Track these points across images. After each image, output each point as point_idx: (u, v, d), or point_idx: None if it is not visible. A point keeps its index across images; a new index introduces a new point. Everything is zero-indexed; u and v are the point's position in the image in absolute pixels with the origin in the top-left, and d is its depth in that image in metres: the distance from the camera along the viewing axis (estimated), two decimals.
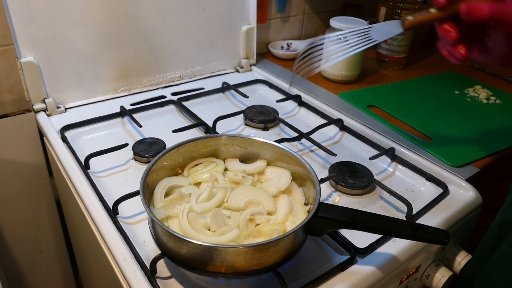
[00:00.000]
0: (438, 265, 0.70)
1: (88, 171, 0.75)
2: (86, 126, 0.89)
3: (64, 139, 0.83)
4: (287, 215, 0.58)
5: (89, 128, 0.89)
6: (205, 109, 0.99)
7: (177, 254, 0.51)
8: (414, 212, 0.68)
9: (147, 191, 0.58)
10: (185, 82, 1.10)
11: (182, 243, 0.50)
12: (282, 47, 1.33)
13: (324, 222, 0.53)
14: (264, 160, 0.67)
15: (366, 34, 0.60)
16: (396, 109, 1.00)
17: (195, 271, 0.52)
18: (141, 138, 0.84)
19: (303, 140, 0.86)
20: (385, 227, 0.51)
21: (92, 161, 0.77)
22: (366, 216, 0.53)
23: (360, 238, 0.62)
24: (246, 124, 0.94)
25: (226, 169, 0.67)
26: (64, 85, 0.93)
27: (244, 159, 0.68)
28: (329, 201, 0.72)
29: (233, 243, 0.53)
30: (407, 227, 0.53)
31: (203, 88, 1.07)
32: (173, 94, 1.04)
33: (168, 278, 0.56)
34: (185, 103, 0.99)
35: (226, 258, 0.49)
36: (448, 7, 0.55)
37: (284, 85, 1.09)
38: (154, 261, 0.55)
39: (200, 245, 0.48)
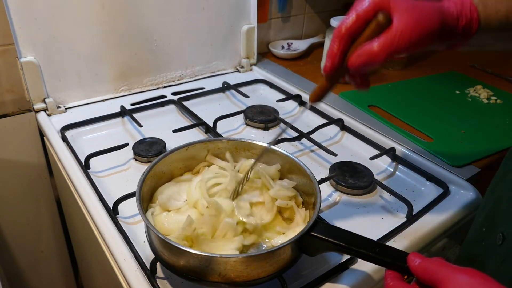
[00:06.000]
0: None
1: (88, 171, 0.75)
2: (87, 126, 0.89)
3: (64, 139, 0.83)
4: None
5: (89, 128, 0.89)
6: (206, 109, 0.99)
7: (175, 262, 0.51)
8: (414, 212, 0.68)
9: (151, 181, 0.58)
10: (186, 82, 1.10)
11: (181, 253, 0.49)
12: (283, 47, 1.32)
13: (317, 242, 0.51)
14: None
15: None
16: (397, 109, 1.00)
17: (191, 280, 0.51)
18: (141, 138, 0.84)
19: (304, 140, 0.86)
20: (380, 257, 0.48)
21: (92, 161, 0.77)
22: (362, 242, 0.50)
23: None
24: (246, 124, 0.94)
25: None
26: (64, 84, 0.93)
27: None
28: (330, 201, 0.72)
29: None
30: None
31: (203, 88, 1.07)
32: (174, 94, 1.04)
33: (168, 278, 0.56)
34: (185, 103, 0.99)
35: (225, 268, 0.48)
36: (336, 70, 0.49)
37: (285, 85, 1.09)
38: (154, 261, 0.55)
39: (198, 254, 0.48)
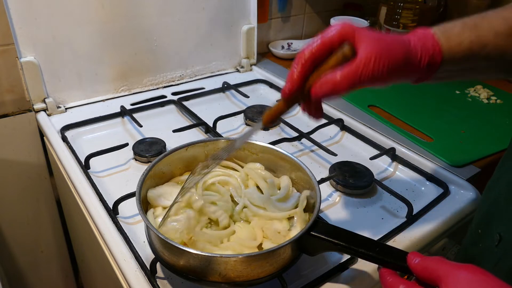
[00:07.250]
0: None
1: (88, 171, 0.75)
2: (86, 126, 0.89)
3: (64, 139, 0.83)
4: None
5: (89, 128, 0.89)
6: (206, 109, 0.99)
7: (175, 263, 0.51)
8: (414, 212, 0.68)
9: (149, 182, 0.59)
10: (186, 82, 1.10)
11: (181, 253, 0.49)
12: (283, 47, 1.32)
13: (317, 241, 0.51)
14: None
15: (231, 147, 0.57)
16: (397, 109, 1.00)
17: (189, 279, 0.51)
18: (141, 138, 0.84)
19: (304, 140, 0.86)
20: (380, 256, 0.48)
21: (92, 161, 0.77)
22: (362, 242, 0.50)
23: None
24: (246, 124, 0.94)
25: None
26: (64, 84, 0.93)
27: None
28: (330, 201, 0.72)
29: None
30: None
31: (203, 88, 1.07)
32: (174, 94, 1.04)
33: (168, 278, 0.56)
34: (185, 103, 0.99)
35: (225, 267, 0.48)
36: (295, 94, 0.48)
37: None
38: (154, 261, 0.55)
39: (197, 254, 0.48)
